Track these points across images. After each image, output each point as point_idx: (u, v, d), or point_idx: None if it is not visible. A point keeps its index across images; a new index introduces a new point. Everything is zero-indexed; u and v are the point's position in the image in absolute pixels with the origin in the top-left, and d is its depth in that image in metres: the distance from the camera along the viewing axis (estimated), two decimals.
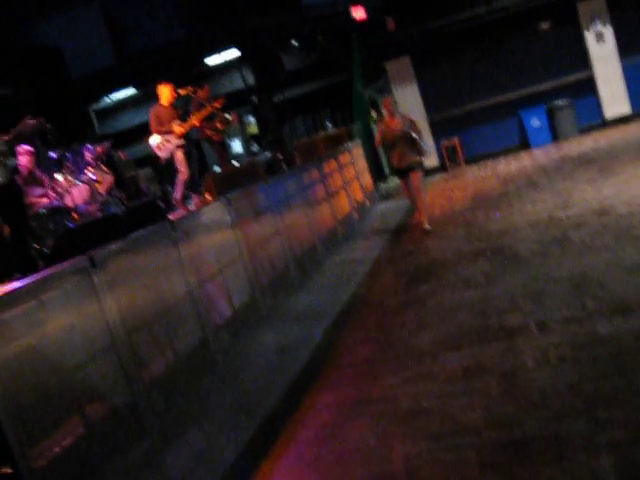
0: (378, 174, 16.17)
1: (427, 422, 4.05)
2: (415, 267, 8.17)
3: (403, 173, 10.08)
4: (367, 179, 14.41)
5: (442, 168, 17.35)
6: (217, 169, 12.69)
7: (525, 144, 16.93)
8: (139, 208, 7.49)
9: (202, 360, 5.67)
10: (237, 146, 18.72)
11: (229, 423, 4.73)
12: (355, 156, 13.87)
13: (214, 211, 7.06)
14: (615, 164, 10.98)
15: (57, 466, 4.01)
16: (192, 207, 9.34)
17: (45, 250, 7.12)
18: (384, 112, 10.05)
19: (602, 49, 16.17)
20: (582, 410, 3.65)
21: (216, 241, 6.79)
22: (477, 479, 3.33)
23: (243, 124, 18.57)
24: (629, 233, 6.75)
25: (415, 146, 9.80)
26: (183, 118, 10.44)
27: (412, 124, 9.91)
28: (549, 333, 4.84)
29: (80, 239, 5.87)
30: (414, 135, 9.71)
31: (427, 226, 10.00)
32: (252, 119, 18.56)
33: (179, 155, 10.34)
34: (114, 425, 4.54)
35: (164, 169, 11.10)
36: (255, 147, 18.72)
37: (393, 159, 10.10)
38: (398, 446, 3.85)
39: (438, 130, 17.20)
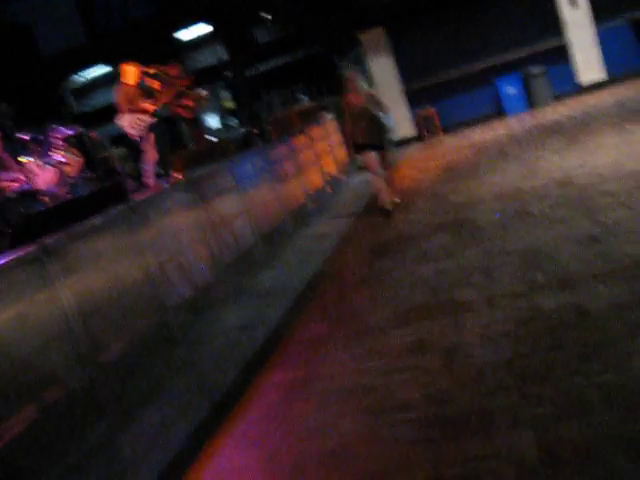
0: (355, 147, 16.13)
1: (369, 399, 4.17)
2: (380, 241, 8.27)
3: (366, 148, 9.87)
4: (342, 152, 14.42)
5: (419, 138, 17.36)
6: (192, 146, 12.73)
7: (501, 112, 16.93)
8: (103, 190, 7.53)
9: (162, 341, 5.78)
10: (214, 121, 18.66)
11: (184, 403, 4.85)
12: (329, 130, 13.87)
13: (176, 191, 7.12)
14: (584, 133, 11.06)
15: (12, 451, 4.12)
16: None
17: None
18: (348, 87, 9.83)
19: (576, 14, 16.13)
20: (514, 386, 3.76)
21: (178, 222, 6.85)
22: (407, 455, 3.45)
23: (219, 99, 18.50)
24: (586, 204, 6.85)
25: (378, 123, 9.68)
26: (151, 96, 10.41)
27: (375, 100, 9.76)
28: (495, 308, 4.94)
29: (42, 224, 5.92)
30: (376, 112, 9.60)
31: (396, 199, 10.07)
32: (227, 94, 18.47)
33: (151, 136, 10.33)
34: (70, 409, 4.64)
35: (138, 147, 11.10)
36: (233, 121, 18.68)
37: (357, 136, 9.84)
38: (338, 423, 3.98)
39: (414, 100, 17.17)
